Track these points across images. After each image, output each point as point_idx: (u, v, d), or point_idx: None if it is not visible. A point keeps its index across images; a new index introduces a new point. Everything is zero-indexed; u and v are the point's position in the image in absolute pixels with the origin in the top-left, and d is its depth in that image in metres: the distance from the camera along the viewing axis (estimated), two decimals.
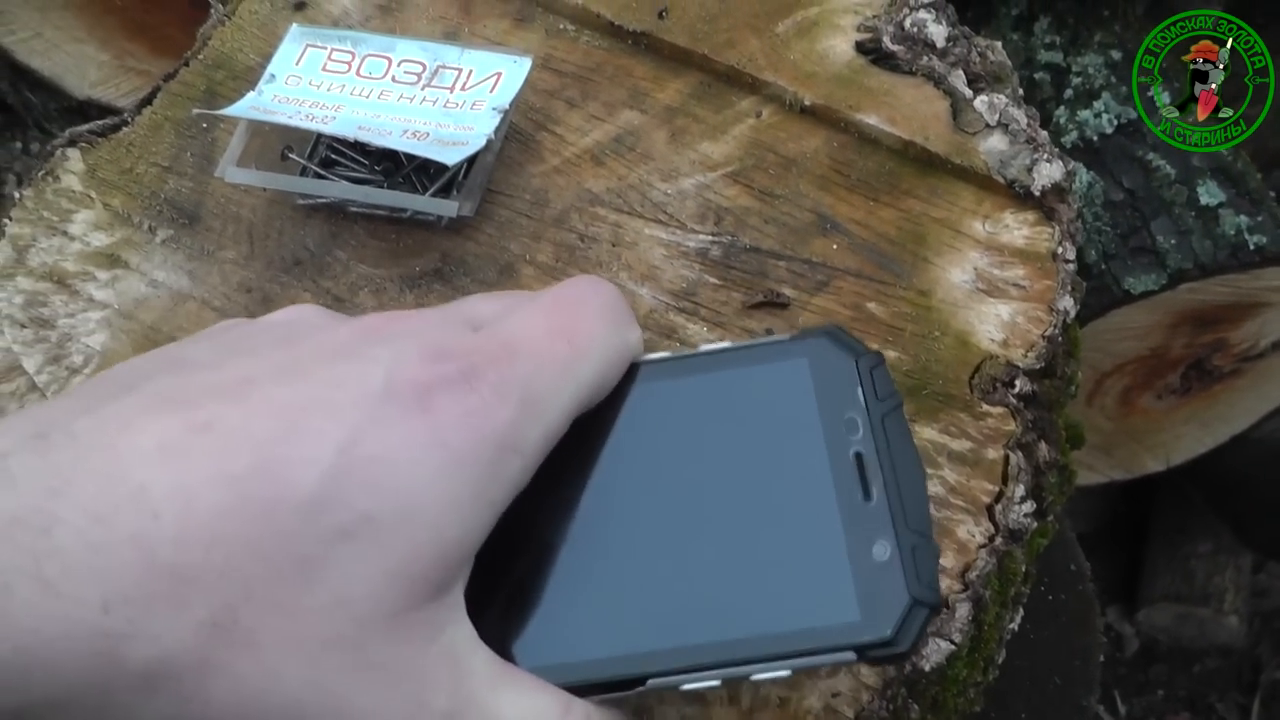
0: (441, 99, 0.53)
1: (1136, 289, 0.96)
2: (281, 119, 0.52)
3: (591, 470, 0.37)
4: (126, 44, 1.26)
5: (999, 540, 0.45)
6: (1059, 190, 0.52)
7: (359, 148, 0.55)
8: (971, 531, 0.45)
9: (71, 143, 0.60)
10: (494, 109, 0.52)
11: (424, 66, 0.54)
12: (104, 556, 0.27)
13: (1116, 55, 1.06)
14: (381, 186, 0.54)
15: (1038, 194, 0.52)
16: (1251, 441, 1.22)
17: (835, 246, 0.52)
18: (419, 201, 0.52)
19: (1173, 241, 0.96)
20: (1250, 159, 1.07)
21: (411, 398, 0.31)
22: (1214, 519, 1.39)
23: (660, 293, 0.51)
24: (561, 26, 0.60)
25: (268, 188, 0.55)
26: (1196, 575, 1.39)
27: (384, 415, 0.31)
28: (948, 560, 0.45)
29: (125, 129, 0.60)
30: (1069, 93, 1.04)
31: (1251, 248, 0.96)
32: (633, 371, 0.38)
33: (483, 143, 0.50)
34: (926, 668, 0.43)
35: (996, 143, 0.53)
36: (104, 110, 1.23)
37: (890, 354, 0.49)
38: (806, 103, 0.55)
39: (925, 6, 0.57)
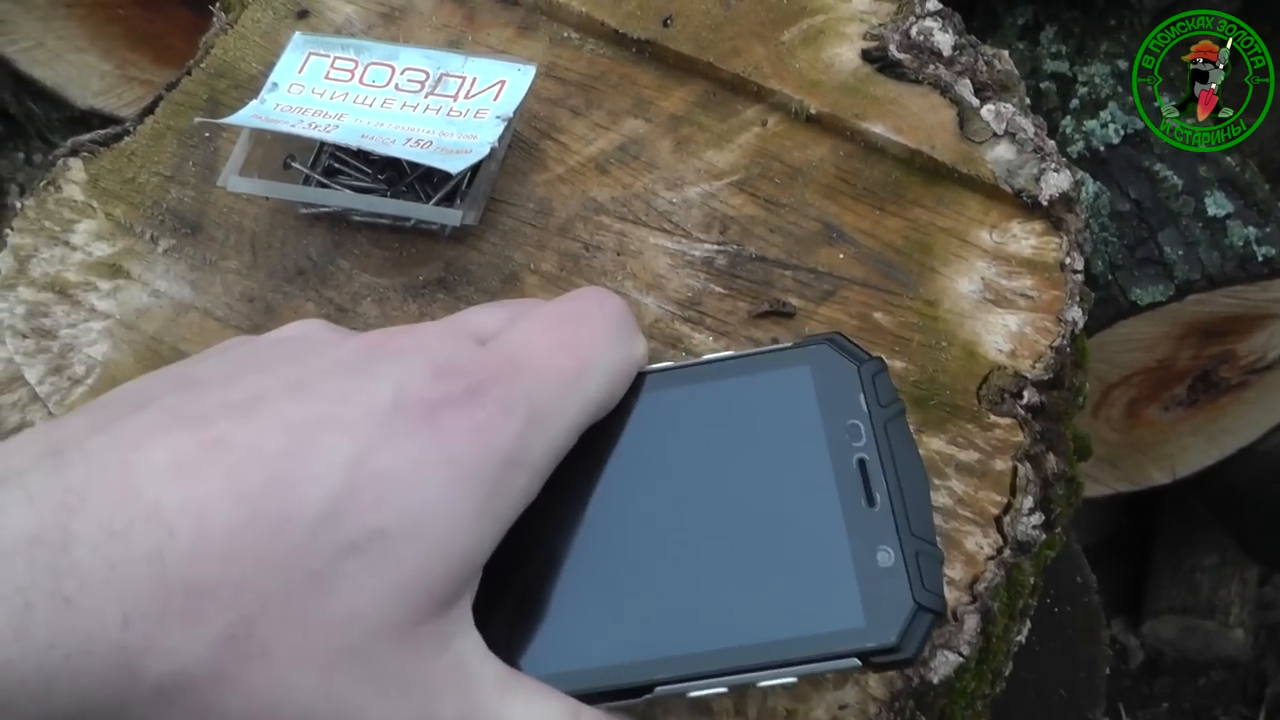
0: (445, 107, 0.53)
1: (1143, 300, 0.96)
2: (284, 127, 0.52)
3: (597, 479, 0.37)
4: (129, 54, 1.26)
5: (1007, 552, 0.45)
6: (1067, 200, 0.52)
7: (362, 156, 0.55)
8: (980, 543, 0.45)
9: (73, 152, 0.59)
10: (498, 117, 0.52)
11: (427, 75, 0.54)
12: (121, 573, 0.28)
13: (1123, 65, 1.06)
14: (385, 195, 0.54)
15: (1045, 203, 0.52)
16: (1258, 454, 1.22)
17: (841, 256, 0.51)
18: (422, 210, 0.52)
19: (1180, 252, 0.96)
20: (1259, 169, 1.07)
21: (419, 414, 0.32)
22: (1219, 531, 1.39)
23: (666, 302, 0.51)
24: (565, 35, 0.59)
25: (270, 197, 0.55)
26: (1202, 588, 1.39)
27: (392, 431, 0.31)
28: (956, 572, 0.44)
29: (127, 138, 0.59)
30: (1075, 103, 1.04)
31: (1259, 259, 0.96)
32: (638, 381, 0.39)
33: (486, 151, 0.50)
34: (935, 680, 0.42)
35: (1004, 152, 0.53)
36: (106, 120, 1.23)
37: (897, 364, 0.48)
38: (812, 111, 0.55)
39: (932, 15, 0.57)
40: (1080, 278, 0.51)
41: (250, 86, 0.59)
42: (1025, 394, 0.48)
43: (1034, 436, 0.47)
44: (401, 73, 0.54)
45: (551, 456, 0.34)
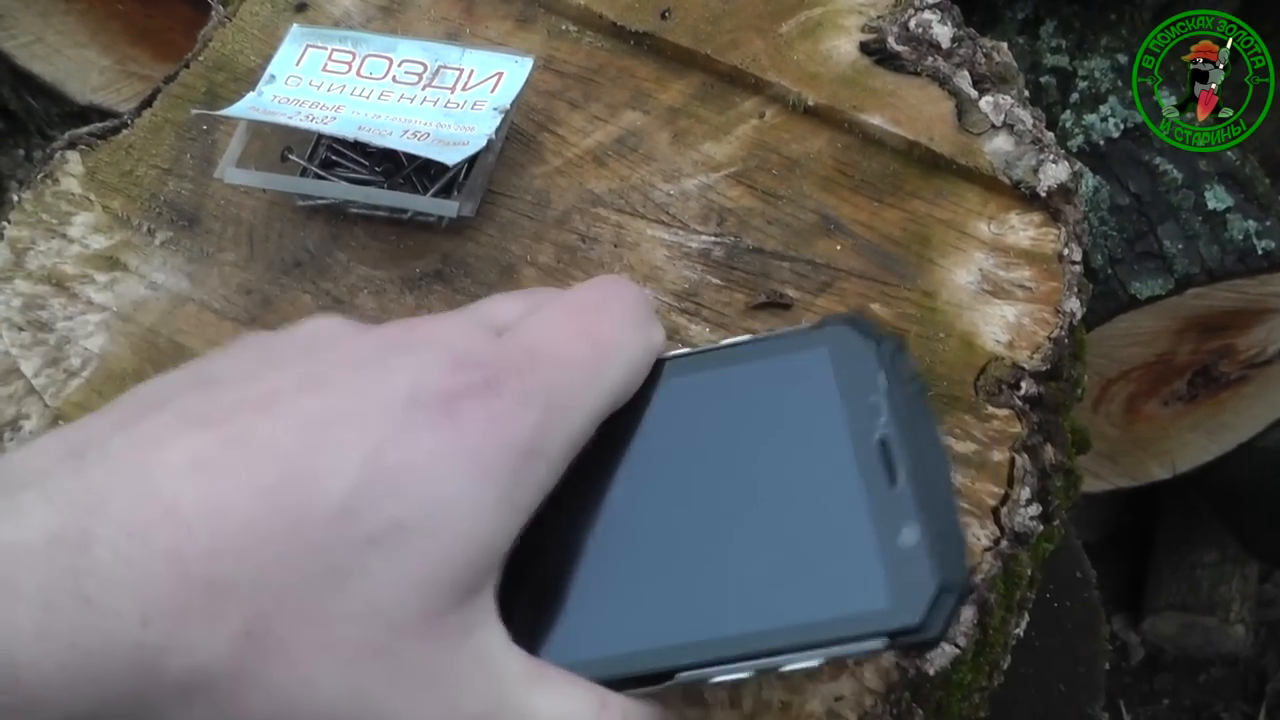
0: (442, 99, 0.53)
1: (1143, 294, 0.95)
2: (281, 119, 0.52)
3: (616, 466, 0.37)
4: (129, 49, 1.26)
5: (1004, 543, 0.45)
6: (1065, 191, 0.52)
7: (359, 148, 0.55)
8: (977, 535, 0.45)
9: (71, 145, 0.59)
10: (495, 109, 0.52)
11: (425, 67, 0.54)
12: (140, 572, 0.28)
13: (1123, 59, 1.05)
14: (382, 187, 0.54)
15: (1044, 195, 0.52)
16: (1258, 449, 1.21)
17: (839, 247, 0.51)
18: (419, 202, 0.52)
19: (1180, 246, 0.96)
20: (1260, 165, 1.07)
21: (436, 406, 0.32)
22: (1220, 528, 1.39)
23: (663, 294, 0.51)
24: (564, 27, 0.59)
25: (267, 189, 0.55)
26: (1202, 584, 1.38)
27: (410, 424, 0.31)
28: None
29: (125, 131, 0.60)
30: (1075, 97, 1.03)
31: (1259, 253, 0.95)
32: (656, 367, 0.38)
33: (483, 143, 0.50)
34: (931, 672, 0.42)
35: (1002, 143, 0.53)
36: (106, 115, 1.23)
37: None
38: (810, 103, 0.55)
39: (930, 7, 0.57)
40: (1078, 269, 0.51)
41: (248, 79, 0.59)
42: (1023, 385, 0.48)
43: (1031, 428, 0.47)
44: (399, 65, 0.54)
45: (570, 446, 0.34)
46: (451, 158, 0.49)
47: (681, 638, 0.34)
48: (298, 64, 0.55)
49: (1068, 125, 1.02)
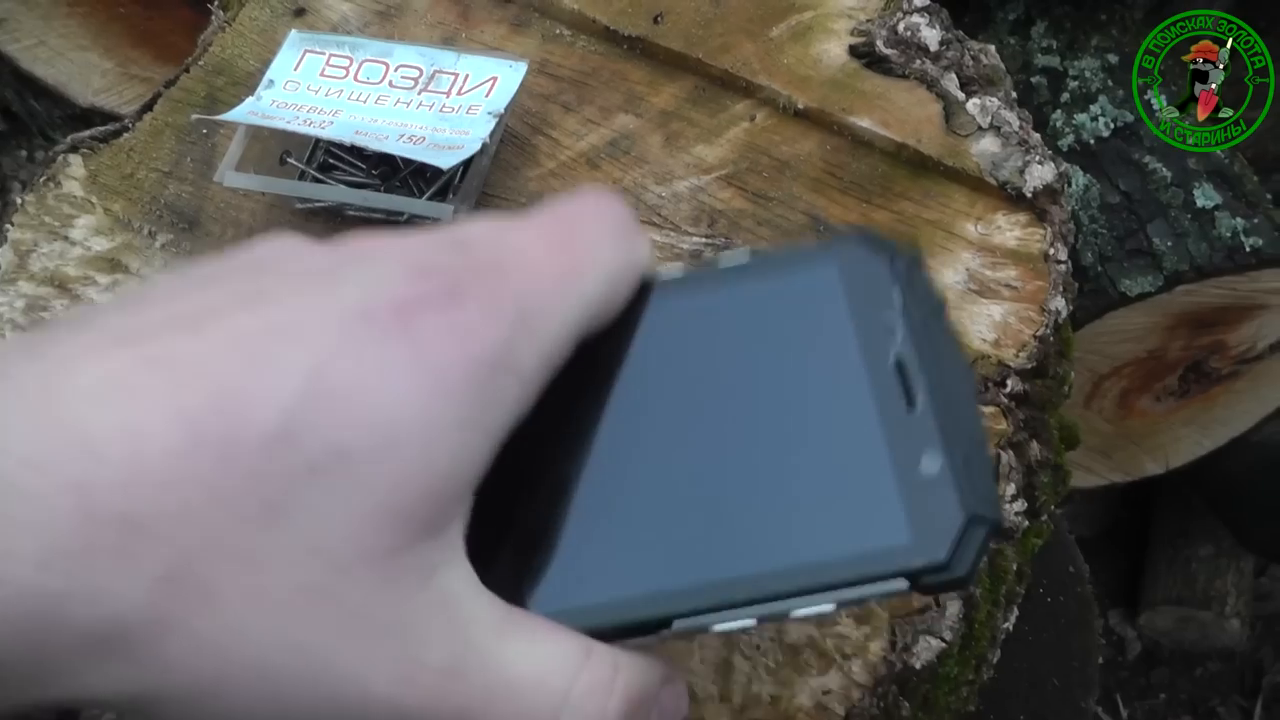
0: (438, 103, 0.54)
1: (1133, 291, 0.96)
2: (279, 124, 0.53)
3: (605, 398, 0.33)
4: (130, 51, 1.26)
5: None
6: (1051, 191, 0.53)
7: (357, 152, 0.55)
8: None
9: (73, 148, 0.60)
10: (489, 113, 0.53)
11: (421, 71, 0.55)
12: (38, 507, 0.24)
13: (1113, 59, 1.06)
14: (379, 190, 0.54)
15: (1030, 195, 0.52)
16: (1251, 444, 1.22)
17: None
18: (415, 205, 0.53)
19: (1169, 244, 0.96)
20: (1250, 163, 1.08)
21: (389, 317, 0.28)
22: (1215, 522, 1.39)
23: None
24: (558, 32, 0.60)
25: (266, 192, 0.55)
26: (1198, 579, 1.39)
27: (357, 338, 0.27)
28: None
29: (126, 135, 0.60)
30: (1066, 96, 1.04)
31: (1248, 250, 0.96)
32: (645, 291, 0.34)
33: (478, 146, 0.51)
34: (917, 665, 0.43)
35: (989, 145, 0.54)
36: (108, 118, 1.23)
37: None
38: (800, 106, 0.56)
39: (919, 10, 0.58)
40: (1064, 268, 0.52)
41: (248, 84, 0.60)
42: (1009, 383, 0.49)
43: (1017, 424, 0.48)
44: (395, 70, 0.55)
45: (544, 363, 0.30)
46: (446, 161, 0.50)
47: (678, 582, 0.30)
48: (296, 69, 0.56)
49: (1058, 124, 1.02)
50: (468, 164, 0.53)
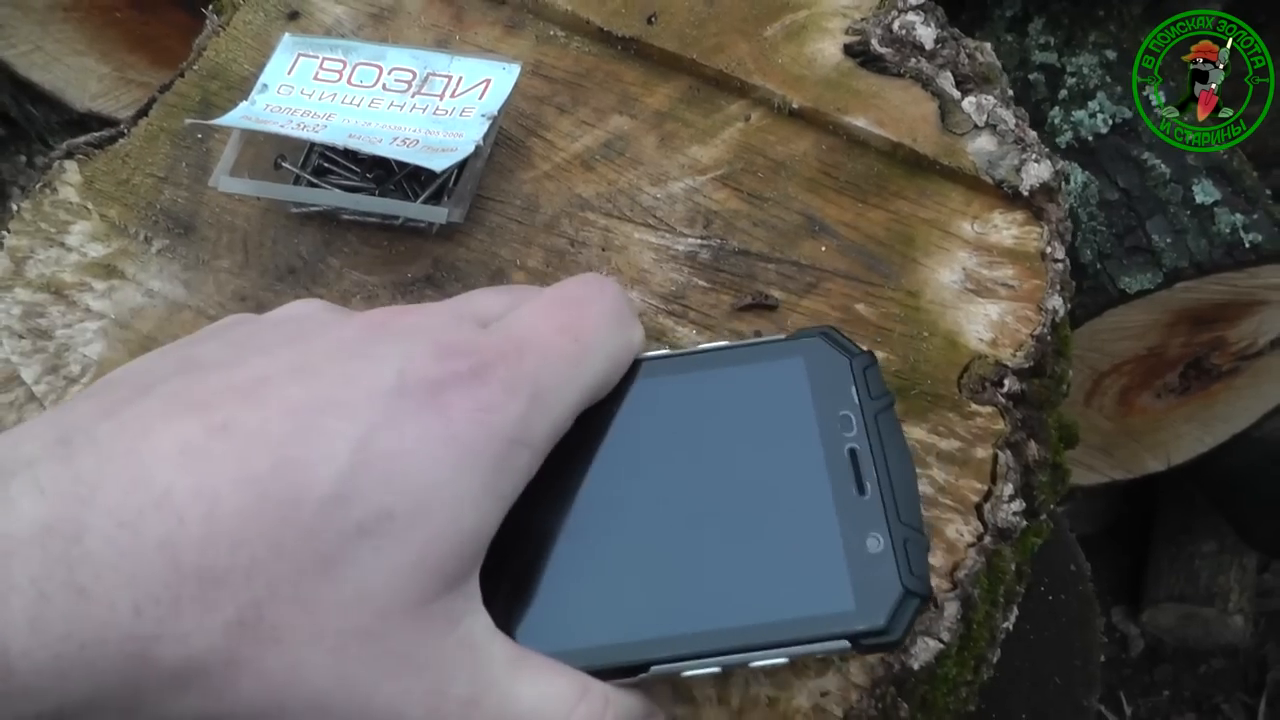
0: (431, 106, 0.53)
1: (1132, 288, 0.96)
2: (273, 127, 0.52)
3: (595, 463, 0.38)
4: (127, 56, 1.26)
5: (987, 539, 0.45)
6: (1048, 190, 0.53)
7: (351, 156, 0.55)
8: (960, 530, 0.45)
9: (69, 155, 0.60)
10: (483, 115, 0.52)
11: (414, 74, 0.55)
12: (133, 562, 0.28)
13: (1111, 55, 1.06)
14: (373, 194, 0.54)
15: (1026, 194, 0.52)
16: (1253, 440, 1.22)
17: (824, 248, 0.52)
18: (410, 208, 0.52)
19: (1168, 240, 0.96)
20: (1249, 158, 1.07)
21: (424, 394, 0.32)
22: (1217, 519, 1.39)
23: (650, 296, 0.52)
24: (552, 33, 0.60)
25: (261, 196, 0.55)
26: (1201, 575, 1.39)
27: (398, 412, 0.31)
28: (936, 559, 0.45)
29: (122, 140, 0.60)
30: (1064, 93, 1.04)
31: (1247, 246, 0.96)
32: (635, 367, 0.39)
33: (471, 149, 0.51)
34: (915, 666, 0.43)
35: (985, 143, 0.54)
36: (105, 123, 1.23)
37: (879, 354, 0.49)
38: (795, 106, 0.55)
39: (914, 9, 0.58)
40: (1061, 266, 0.51)
41: (242, 88, 0.59)
42: (1006, 382, 0.48)
43: (1015, 424, 0.48)
44: (389, 73, 0.55)
45: (552, 436, 0.35)
46: (439, 164, 0.49)
47: (653, 632, 0.35)
48: (290, 73, 0.55)
49: (1056, 121, 1.02)
50: (462, 167, 0.53)
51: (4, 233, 0.57)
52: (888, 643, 0.34)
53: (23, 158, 1.46)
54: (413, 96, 0.54)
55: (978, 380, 0.48)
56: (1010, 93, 0.58)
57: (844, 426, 0.37)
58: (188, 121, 0.59)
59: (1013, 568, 0.49)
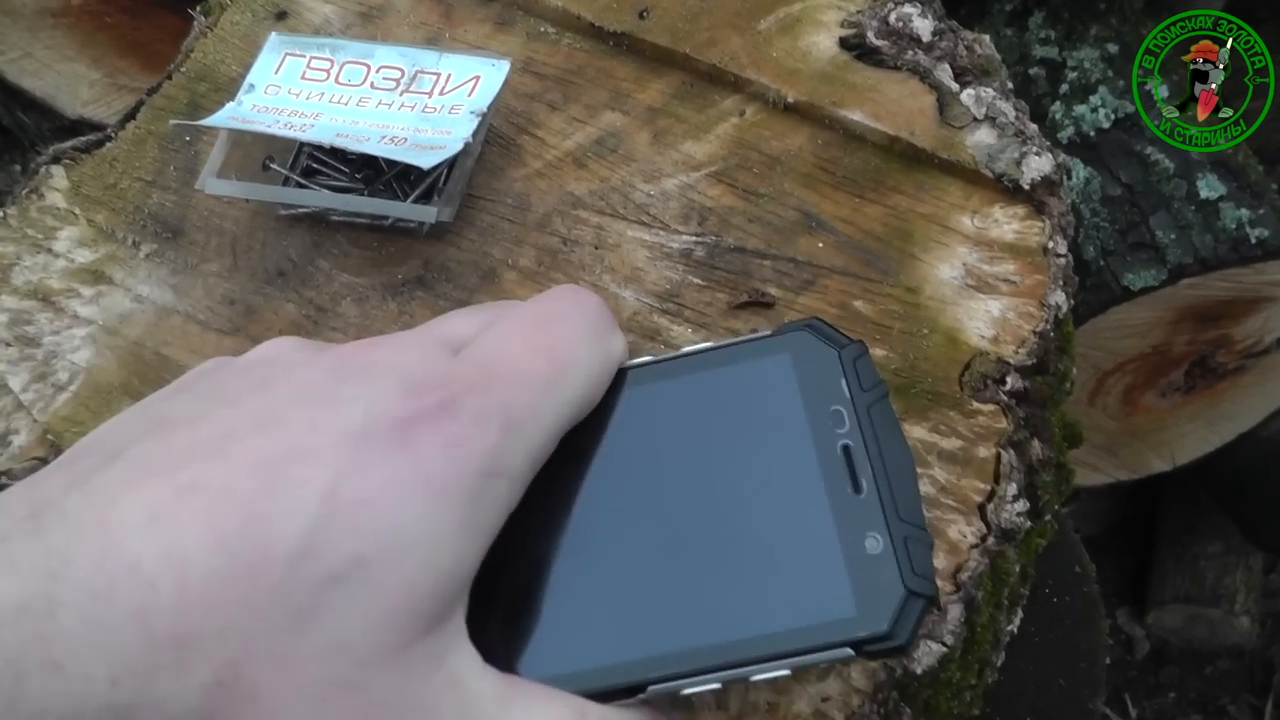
0: (420, 104, 0.53)
1: (1136, 285, 0.95)
2: (260, 128, 0.52)
3: (581, 479, 0.37)
4: (118, 61, 1.26)
5: (991, 540, 0.44)
6: (1049, 183, 0.52)
7: (340, 156, 0.55)
8: (963, 531, 0.45)
9: (55, 159, 0.59)
10: (472, 113, 0.52)
11: (402, 72, 0.54)
12: (107, 634, 0.28)
13: (1113, 49, 1.05)
14: (362, 194, 0.53)
15: (1027, 187, 0.51)
16: (1259, 439, 1.21)
17: (821, 245, 0.51)
18: (399, 208, 0.52)
19: (1172, 236, 0.95)
20: (1256, 153, 1.07)
21: (390, 434, 0.31)
22: (1223, 519, 1.38)
23: (644, 294, 0.51)
24: (542, 29, 0.59)
25: (249, 198, 0.54)
26: (1206, 576, 1.38)
27: (364, 456, 0.31)
28: (939, 561, 0.44)
29: (109, 144, 0.59)
30: (1065, 88, 1.03)
31: (1253, 241, 0.95)
32: (618, 377, 0.38)
33: (460, 146, 0.50)
34: (918, 670, 0.42)
35: (984, 136, 0.53)
36: (96, 129, 1.23)
37: (878, 352, 0.48)
38: (790, 100, 0.55)
39: (911, 0, 0.57)
40: (1064, 261, 0.50)
41: (230, 89, 0.59)
42: (1008, 380, 0.47)
43: (1018, 423, 0.47)
44: (377, 71, 0.54)
45: (531, 463, 0.34)
46: (427, 162, 0.49)
47: (650, 651, 0.34)
48: (276, 72, 0.55)
49: (1058, 116, 1.01)
50: (452, 165, 0.53)
51: None
52: (892, 648, 0.33)
53: (17, 166, 1.46)
54: (401, 94, 0.53)
55: (979, 378, 0.47)
56: (1010, 85, 0.57)
57: (836, 422, 0.36)
58: (173, 123, 0.58)
59: (1017, 569, 0.48)
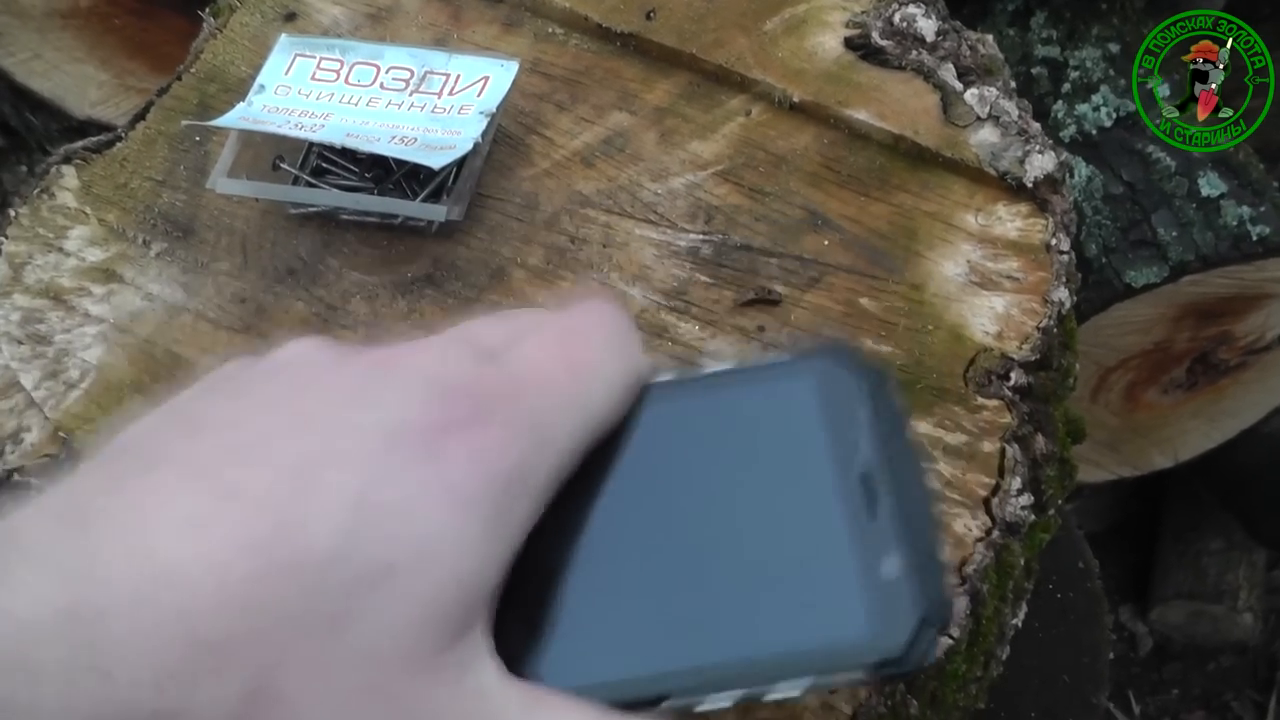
0: (429, 104, 0.53)
1: (1138, 282, 0.95)
2: (271, 128, 0.52)
3: (602, 494, 0.37)
4: (126, 63, 1.26)
5: (996, 534, 0.45)
6: (1052, 181, 0.52)
7: (350, 155, 0.55)
8: (968, 525, 0.45)
9: (66, 159, 0.60)
10: (481, 113, 0.52)
11: (412, 73, 0.54)
12: (152, 639, 0.28)
13: (1114, 48, 1.05)
14: (372, 194, 0.54)
15: (1030, 185, 0.52)
16: (1260, 436, 1.21)
17: (826, 243, 0.52)
18: (409, 207, 0.52)
19: (1174, 234, 0.96)
20: (1257, 151, 1.07)
21: (421, 442, 0.31)
22: (1225, 516, 1.38)
23: (651, 292, 0.51)
24: (550, 30, 0.60)
25: (259, 197, 0.55)
26: (1209, 573, 1.38)
27: (396, 462, 0.31)
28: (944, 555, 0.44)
29: (119, 144, 0.60)
30: (1067, 87, 1.03)
31: (1254, 239, 0.95)
32: (641, 394, 0.38)
33: (469, 147, 0.50)
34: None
35: (988, 135, 0.53)
36: (105, 130, 1.23)
37: (883, 349, 0.49)
38: (796, 100, 0.55)
39: (914, 1, 0.57)
40: (1066, 258, 0.51)
41: (240, 90, 0.59)
42: (1012, 375, 0.48)
43: (1022, 418, 0.47)
44: (386, 71, 0.55)
45: (555, 475, 0.34)
46: (437, 162, 0.49)
47: (667, 665, 0.34)
48: (286, 73, 0.55)
49: (1060, 115, 1.02)
50: (461, 165, 0.53)
51: (2, 239, 0.57)
52: (905, 671, 0.33)
53: (24, 168, 1.46)
54: (410, 95, 0.54)
55: (983, 373, 0.48)
56: (1013, 84, 0.57)
57: (855, 449, 0.36)
58: (184, 123, 0.59)
59: (1021, 563, 0.49)
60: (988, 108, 0.54)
